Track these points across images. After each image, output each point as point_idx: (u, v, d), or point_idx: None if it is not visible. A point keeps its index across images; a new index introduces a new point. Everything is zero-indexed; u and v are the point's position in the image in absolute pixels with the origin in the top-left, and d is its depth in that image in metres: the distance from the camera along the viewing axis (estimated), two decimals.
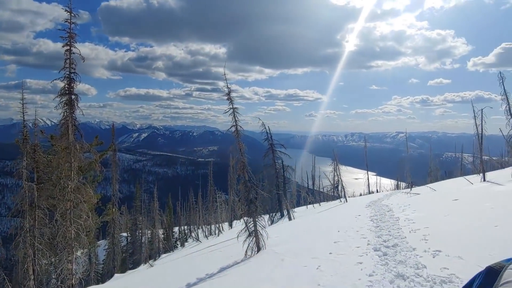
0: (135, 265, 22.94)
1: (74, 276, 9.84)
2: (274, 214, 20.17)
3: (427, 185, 23.00)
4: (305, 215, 18.61)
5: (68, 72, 10.29)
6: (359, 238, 7.63)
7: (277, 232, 12.05)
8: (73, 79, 10.34)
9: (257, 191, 9.42)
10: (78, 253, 11.45)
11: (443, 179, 28.98)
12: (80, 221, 9.73)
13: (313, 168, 37.42)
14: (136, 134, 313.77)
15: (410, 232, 7.40)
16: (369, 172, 34.63)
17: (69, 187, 9.54)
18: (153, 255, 23.94)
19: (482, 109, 17.63)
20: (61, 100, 10.27)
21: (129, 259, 24.52)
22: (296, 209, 24.32)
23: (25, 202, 10.20)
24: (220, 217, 28.47)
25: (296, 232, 11.19)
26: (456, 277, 4.26)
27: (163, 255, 22.86)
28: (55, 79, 10.30)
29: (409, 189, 22.46)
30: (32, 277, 10.14)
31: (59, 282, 9.71)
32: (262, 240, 8.86)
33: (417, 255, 5.57)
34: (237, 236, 9.28)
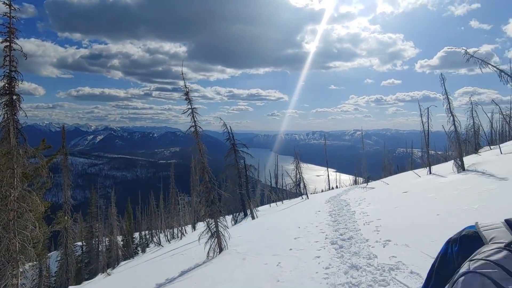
0: (92, 275, 21.65)
1: None
2: (237, 214, 20.17)
3: (382, 179, 24.42)
4: (268, 213, 18.84)
5: (8, 70, 9.41)
6: (318, 233, 7.90)
7: (240, 231, 12.07)
8: (14, 77, 9.48)
9: (218, 192, 9.35)
10: (26, 267, 10.55)
11: (395, 173, 30.88)
12: (26, 232, 8.94)
13: (276, 166, 38.03)
14: (91, 136, 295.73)
15: (364, 224, 7.82)
16: (329, 169, 35.91)
17: (12, 195, 8.73)
18: (111, 263, 22.77)
19: (428, 108, 19.12)
20: (1, 101, 9.38)
21: (85, 269, 23.12)
22: (259, 208, 24.53)
23: None
24: (183, 219, 27.87)
25: (258, 231, 11.29)
26: (403, 264, 4.59)
27: (122, 263, 21.84)
28: None
29: (365, 184, 23.67)
30: None
31: None
32: (224, 240, 8.83)
33: (370, 245, 5.91)
34: (199, 238, 9.15)
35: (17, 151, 9.05)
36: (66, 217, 16.91)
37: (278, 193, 32.12)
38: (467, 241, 0.95)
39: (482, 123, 27.10)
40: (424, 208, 8.14)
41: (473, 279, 0.74)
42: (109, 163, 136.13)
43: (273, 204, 26.54)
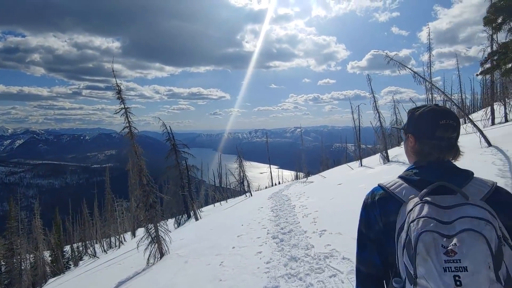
0: None
1: None
2: (180, 216, 19.57)
3: (320, 173, 25.94)
4: (212, 213, 18.65)
5: None
6: (260, 229, 8.05)
7: (182, 234, 11.73)
8: None
9: (157, 195, 8.96)
10: None
11: (332, 167, 33.01)
12: None
13: (219, 166, 37.83)
14: (8, 141, 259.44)
15: (303, 217, 8.20)
16: (271, 166, 36.87)
17: None
18: (37, 282, 20.37)
19: (358, 106, 20.91)
20: None
21: None
22: (203, 209, 24.17)
23: None
24: (121, 227, 26.11)
25: (202, 232, 11.09)
26: (336, 251, 4.92)
27: (51, 280, 19.65)
28: None
29: (305, 179, 24.89)
30: None
31: None
32: (165, 245, 8.49)
33: (308, 236, 6.21)
34: (137, 245, 8.66)
35: None
36: None
37: (222, 193, 32.03)
38: (383, 203, 1.11)
39: (403, 119, 30.51)
40: (355, 197, 8.83)
41: (427, 236, 0.89)
42: (32, 171, 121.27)
43: (217, 204, 26.39)
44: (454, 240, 0.86)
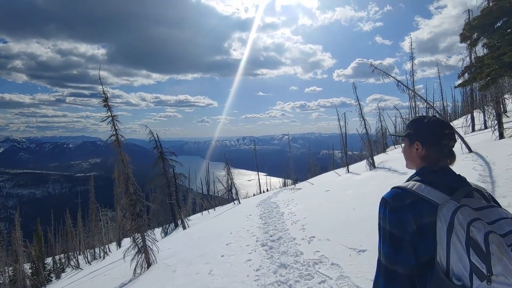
0: None
1: None
2: (167, 225, 19.25)
3: (308, 180, 26.10)
4: (200, 221, 18.44)
5: None
6: (249, 237, 8.02)
7: (170, 243, 11.55)
8: None
9: (144, 203, 8.82)
10: None
11: (320, 173, 33.25)
12: None
13: (207, 173, 37.55)
14: None
15: (292, 224, 8.23)
16: (259, 173, 36.85)
17: None
18: None
19: (344, 113, 21.21)
20: None
21: None
22: (191, 217, 23.86)
23: None
24: (106, 237, 25.45)
25: (190, 241, 10.95)
26: (325, 257, 4.96)
27: None
28: None
29: (293, 186, 24.98)
30: None
31: None
32: (152, 254, 8.34)
33: (297, 243, 6.24)
34: (124, 256, 8.47)
35: None
36: None
37: (210, 201, 31.76)
38: (416, 206, 1.18)
39: (388, 125, 31.22)
40: (343, 204, 8.95)
41: (494, 237, 0.99)
42: (12, 180, 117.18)
43: (205, 212, 26.12)
44: None
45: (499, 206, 1.15)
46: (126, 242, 22.54)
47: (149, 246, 8.36)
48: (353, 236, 5.56)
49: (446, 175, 1.26)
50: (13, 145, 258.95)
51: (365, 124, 18.10)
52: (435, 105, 24.30)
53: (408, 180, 1.31)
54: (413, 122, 1.36)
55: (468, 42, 7.07)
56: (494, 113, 11.44)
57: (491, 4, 6.37)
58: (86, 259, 23.55)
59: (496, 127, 10.84)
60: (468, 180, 1.26)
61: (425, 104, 15.62)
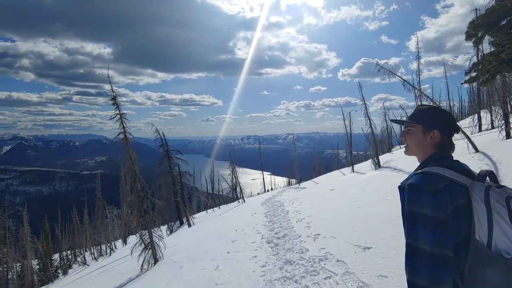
0: None
1: None
2: (173, 223, 19.40)
3: (312, 179, 26.08)
4: (205, 219, 18.56)
5: None
6: (255, 234, 8.10)
7: (176, 240, 11.68)
8: None
9: (152, 201, 8.94)
10: None
11: (324, 173, 33.18)
12: None
13: (212, 172, 37.71)
14: None
15: (297, 222, 8.29)
16: (264, 172, 36.92)
17: None
18: None
19: (349, 112, 21.16)
20: None
21: None
22: (196, 215, 24.01)
23: None
24: (112, 234, 25.71)
25: (195, 238, 11.06)
26: (330, 254, 5.01)
27: None
28: None
29: (298, 185, 25.01)
30: None
31: None
32: (159, 251, 8.46)
33: (302, 240, 6.30)
34: (131, 252, 8.61)
35: None
36: None
37: (215, 199, 31.90)
38: (450, 188, 1.23)
39: (393, 125, 31.04)
40: (348, 202, 8.98)
41: None
42: (20, 177, 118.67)
43: (210, 210, 26.25)
44: None
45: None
46: (132, 239, 22.78)
47: (156, 243, 8.49)
48: (358, 233, 5.61)
49: (458, 162, 1.36)
50: (21, 143, 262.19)
51: (370, 123, 18.06)
52: (441, 104, 24.11)
53: (423, 166, 1.36)
54: (428, 111, 1.43)
55: (473, 40, 7.07)
56: (501, 113, 11.36)
57: (494, 3, 6.39)
58: (92, 255, 23.85)
59: (503, 126, 10.78)
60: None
61: (432, 103, 15.55)
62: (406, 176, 1.46)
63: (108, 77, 8.86)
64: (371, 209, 7.06)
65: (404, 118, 1.88)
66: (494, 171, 6.62)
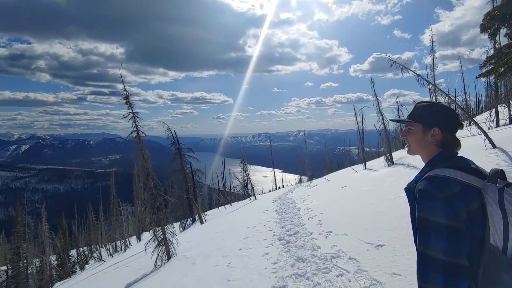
0: None
1: None
2: (185, 220, 19.65)
3: (324, 176, 25.92)
4: (217, 217, 18.72)
5: None
6: (266, 231, 8.13)
7: (188, 237, 11.83)
8: None
9: (165, 198, 9.07)
10: None
11: (336, 170, 32.96)
12: None
13: (223, 169, 37.93)
14: (14, 146, 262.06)
15: (308, 219, 8.27)
16: (275, 170, 36.91)
17: None
18: (44, 286, 20.47)
19: (361, 109, 20.89)
20: None
21: None
22: (208, 212, 24.24)
23: None
24: (127, 231, 26.23)
25: (207, 235, 11.17)
26: (342, 252, 4.99)
27: (57, 284, 19.78)
28: None
29: (309, 182, 24.89)
30: None
31: None
32: (172, 247, 8.59)
33: (314, 238, 6.29)
34: (145, 248, 8.77)
35: None
36: None
37: (226, 196, 32.07)
38: (463, 193, 1.16)
39: None
40: (360, 200, 8.90)
41: None
42: (38, 175, 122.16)
43: (221, 208, 26.44)
44: None
45: None
46: (146, 235, 23.18)
47: (169, 239, 8.62)
48: (371, 231, 5.56)
49: (465, 159, 1.28)
50: (38, 142, 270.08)
51: (383, 119, 17.78)
52: (457, 99, 23.53)
53: (431, 168, 1.28)
54: (426, 108, 1.36)
55: (488, 32, 6.86)
56: None
57: None
58: (108, 251, 24.42)
59: None
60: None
61: (447, 98, 15.18)
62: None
63: (121, 76, 9.00)
64: (384, 206, 6.98)
65: None
66: None
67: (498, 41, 12.25)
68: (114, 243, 25.22)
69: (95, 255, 25.16)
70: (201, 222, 17.62)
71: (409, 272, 3.69)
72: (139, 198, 24.56)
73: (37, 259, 23.40)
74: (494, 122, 16.31)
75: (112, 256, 21.83)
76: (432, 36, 22.66)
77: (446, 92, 15.54)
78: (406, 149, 1.44)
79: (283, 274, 4.74)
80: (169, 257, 8.39)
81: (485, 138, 9.33)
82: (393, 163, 15.16)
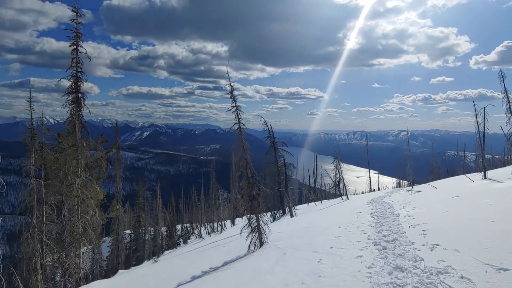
0: (138, 261, 23.22)
1: (81, 271, 10.09)
2: (276, 211, 20.34)
3: (429, 183, 23.10)
4: (306, 212, 18.80)
5: (75, 71, 10.52)
6: (360, 233, 7.80)
7: (279, 228, 12.24)
8: (80, 77, 10.57)
9: (260, 188, 9.60)
10: (84, 249, 11.65)
11: (445, 177, 29.04)
12: (87, 217, 9.96)
13: (315, 166, 37.60)
14: (138, 132, 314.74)
15: (409, 227, 7.56)
16: (370, 171, 34.72)
17: (76, 183, 9.77)
18: (156, 252, 24.21)
19: (484, 108, 17.61)
20: (68, 99, 10.50)
21: (133, 256, 24.81)
22: (297, 207, 24.51)
23: (33, 198, 10.42)
24: (222, 214, 28.72)
25: (297, 228, 11.37)
26: (452, 269, 4.42)
27: (166, 252, 23.14)
28: (61, 78, 10.54)
29: (410, 187, 22.58)
30: (40, 271, 10.38)
31: (66, 276, 9.96)
32: (264, 235, 9.05)
33: (416, 248, 5.74)
34: (240, 232, 9.48)
35: (81, 144, 10.09)
36: (118, 206, 18.37)
37: (317, 193, 31.77)
38: None
39: None
40: (477, 214, 7.65)
41: None
42: (154, 158, 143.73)
43: (311, 204, 26.35)
44: None
45: None
46: (239, 221, 24.96)
47: (262, 227, 9.11)
48: (491, 251, 4.75)
49: None
50: (156, 129, 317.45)
51: None
52: None
53: None
54: None
55: None
56: None
57: None
58: (206, 230, 27.30)
59: None
60: None
61: None
62: None
63: (227, 73, 9.83)
64: (510, 225, 5.86)
65: None
66: None
67: None
68: (212, 224, 27.98)
69: (196, 232, 28.42)
70: (291, 215, 17.97)
71: None
72: (235, 186, 26.57)
73: (152, 228, 27.80)
74: None
75: (210, 235, 24.29)
76: None
77: None
78: None
79: (378, 280, 4.52)
80: (261, 244, 8.88)
81: None
82: None
